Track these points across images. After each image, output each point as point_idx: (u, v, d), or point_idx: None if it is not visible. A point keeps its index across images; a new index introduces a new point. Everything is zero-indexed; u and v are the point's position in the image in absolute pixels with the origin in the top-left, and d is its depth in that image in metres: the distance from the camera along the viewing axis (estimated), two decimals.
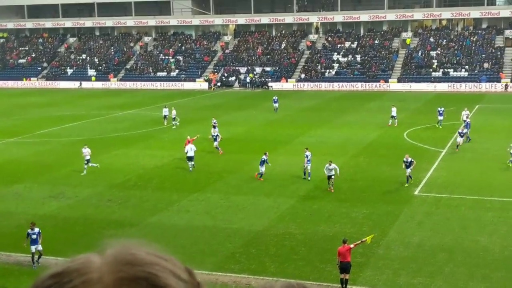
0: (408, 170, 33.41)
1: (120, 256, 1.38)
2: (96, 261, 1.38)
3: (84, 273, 1.36)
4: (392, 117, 53.34)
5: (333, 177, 32.57)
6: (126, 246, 1.42)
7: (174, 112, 56.18)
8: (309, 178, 35.55)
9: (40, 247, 23.71)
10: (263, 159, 35.93)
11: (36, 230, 23.88)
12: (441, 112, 51.96)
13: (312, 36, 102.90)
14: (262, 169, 35.70)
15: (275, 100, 64.11)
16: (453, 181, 35.05)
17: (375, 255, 24.32)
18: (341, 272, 21.42)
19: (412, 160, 33.57)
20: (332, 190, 32.45)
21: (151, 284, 1.34)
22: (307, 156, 35.93)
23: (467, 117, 48.09)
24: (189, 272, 1.47)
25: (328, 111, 65.06)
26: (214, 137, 43.68)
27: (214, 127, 45.88)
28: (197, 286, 1.47)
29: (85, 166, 37.80)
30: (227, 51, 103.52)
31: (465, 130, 45.87)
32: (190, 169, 38.79)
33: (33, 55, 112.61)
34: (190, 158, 38.93)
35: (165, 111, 56.65)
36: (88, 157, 38.02)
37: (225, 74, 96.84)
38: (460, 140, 42.13)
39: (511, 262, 23.43)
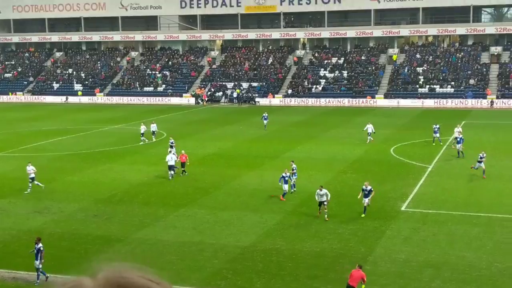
0: (366, 200, 31.34)
1: (112, 280, 1.37)
2: (88, 284, 1.37)
3: None
4: (368, 133, 53.37)
5: (325, 203, 30.93)
6: (118, 269, 1.40)
7: (143, 127, 55.58)
8: (294, 189, 35.92)
9: (37, 264, 23.16)
10: (282, 176, 34.98)
11: (37, 246, 23.43)
12: (436, 129, 51.93)
13: (299, 52, 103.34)
14: (285, 186, 34.77)
15: (265, 117, 63.70)
16: (440, 196, 35.16)
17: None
18: None
19: (372, 189, 31.63)
20: (327, 218, 30.60)
21: None
22: (293, 169, 36.26)
23: (459, 134, 48.17)
24: None
25: (315, 126, 65.19)
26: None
27: (172, 147, 45.54)
28: None
29: (30, 185, 36.87)
30: (214, 66, 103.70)
31: (458, 146, 46.20)
32: (170, 177, 39.96)
33: (19, 70, 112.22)
34: (170, 167, 40.07)
35: (153, 127, 56.44)
36: (32, 175, 37.01)
37: (212, 89, 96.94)
38: (481, 165, 39.31)
39: (498, 278, 23.51)
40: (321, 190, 31.00)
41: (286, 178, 34.72)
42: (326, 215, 30.64)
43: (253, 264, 25.21)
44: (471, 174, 40.52)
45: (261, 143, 54.81)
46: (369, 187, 31.45)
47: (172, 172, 40.13)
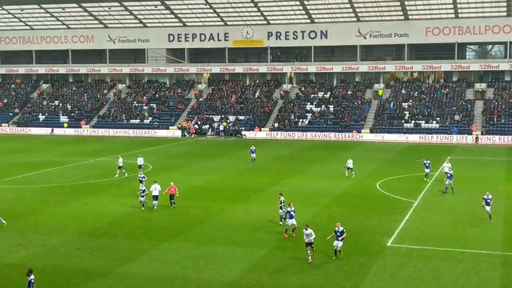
0: (340, 243, 30.03)
1: None
2: None
3: None
4: (349, 168, 53.37)
5: (313, 245, 29.68)
6: None
7: (121, 160, 55.18)
8: (280, 223, 35.84)
9: None
10: (288, 211, 33.95)
11: (29, 278, 22.82)
12: (427, 165, 51.84)
13: (286, 86, 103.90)
14: (292, 221, 33.64)
15: (253, 150, 63.75)
16: (426, 232, 35.07)
17: None
18: None
19: (344, 230, 30.33)
20: (310, 261, 29.43)
21: None
22: (281, 202, 36.25)
23: (449, 169, 48.20)
24: None
25: (301, 160, 65.19)
26: (141, 191, 41.54)
27: (141, 182, 44.61)
28: None
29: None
30: (201, 99, 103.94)
31: (447, 182, 46.35)
32: (154, 207, 40.46)
33: (5, 101, 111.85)
34: (155, 197, 40.51)
35: (140, 161, 56.12)
36: None
37: (199, 122, 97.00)
38: (488, 208, 37.58)
39: None
40: (306, 229, 29.84)
41: (292, 213, 33.79)
42: (310, 257, 29.56)
43: None
44: (457, 210, 40.56)
45: (246, 176, 54.68)
46: (341, 228, 30.21)
47: (156, 202, 40.33)
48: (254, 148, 64.55)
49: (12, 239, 33.68)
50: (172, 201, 41.29)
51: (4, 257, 30.39)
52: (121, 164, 54.82)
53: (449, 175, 46.77)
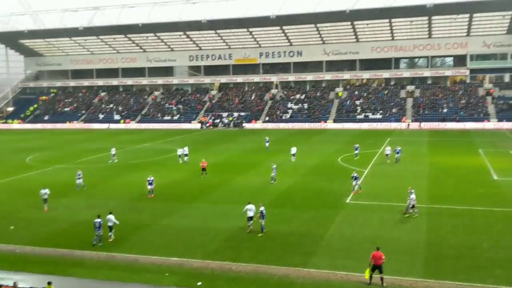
0: (263, 221, 25.64)
1: None
2: None
3: None
4: (292, 155, 49.26)
5: (255, 219, 26.05)
6: None
7: (113, 150, 52.29)
8: (275, 182, 37.09)
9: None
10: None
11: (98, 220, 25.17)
12: (356, 147, 50.52)
13: (273, 91, 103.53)
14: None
15: (267, 140, 59.93)
16: (373, 192, 35.20)
17: (320, 246, 24.23)
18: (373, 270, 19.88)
19: (263, 210, 25.80)
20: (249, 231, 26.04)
21: None
22: (274, 168, 37.63)
23: (390, 151, 47.00)
24: None
25: (285, 143, 65.05)
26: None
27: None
28: None
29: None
30: (213, 101, 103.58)
31: (397, 156, 46.24)
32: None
33: (75, 105, 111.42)
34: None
35: (180, 151, 50.89)
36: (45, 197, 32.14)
37: (212, 118, 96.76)
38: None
39: (414, 248, 23.55)
40: (248, 204, 26.48)
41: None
42: (250, 228, 26.32)
43: (242, 242, 25.02)
44: (394, 175, 40.62)
45: (247, 155, 54.62)
46: (262, 208, 26.22)
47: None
48: (268, 138, 60.07)
49: (83, 203, 33.75)
50: (204, 172, 41.40)
51: (76, 216, 30.48)
52: (113, 153, 51.52)
53: (397, 150, 46.54)
